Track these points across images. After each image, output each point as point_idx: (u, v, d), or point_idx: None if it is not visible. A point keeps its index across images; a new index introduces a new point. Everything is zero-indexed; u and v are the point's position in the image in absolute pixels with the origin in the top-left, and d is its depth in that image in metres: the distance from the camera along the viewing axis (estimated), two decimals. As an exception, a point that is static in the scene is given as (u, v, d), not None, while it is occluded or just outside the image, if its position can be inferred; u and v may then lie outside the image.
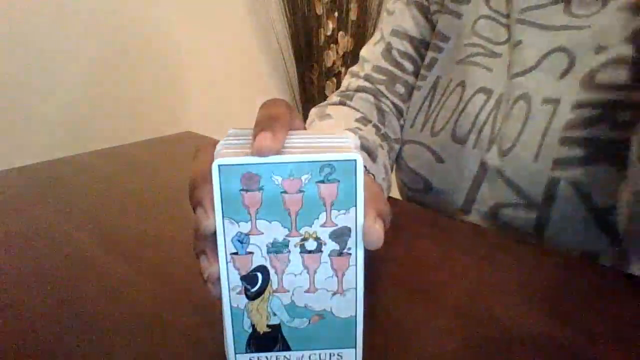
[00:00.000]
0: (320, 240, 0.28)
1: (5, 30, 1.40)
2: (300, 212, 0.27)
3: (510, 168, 0.52)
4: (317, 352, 0.30)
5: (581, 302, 0.38)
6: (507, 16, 0.56)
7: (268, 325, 0.29)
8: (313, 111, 0.65)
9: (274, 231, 0.27)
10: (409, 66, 0.66)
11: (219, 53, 1.90)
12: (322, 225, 0.27)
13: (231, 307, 0.28)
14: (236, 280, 0.28)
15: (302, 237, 0.28)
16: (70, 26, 1.51)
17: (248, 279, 0.28)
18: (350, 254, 0.28)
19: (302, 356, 0.30)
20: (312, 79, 2.00)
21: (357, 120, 0.60)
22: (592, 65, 0.49)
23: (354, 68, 0.69)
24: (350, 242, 0.28)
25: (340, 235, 0.28)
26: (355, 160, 0.26)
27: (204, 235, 0.27)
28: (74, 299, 0.39)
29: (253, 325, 0.29)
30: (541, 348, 0.33)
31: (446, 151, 0.58)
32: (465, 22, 0.60)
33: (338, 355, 0.30)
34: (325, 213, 0.27)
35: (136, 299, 0.39)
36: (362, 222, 0.27)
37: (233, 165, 0.26)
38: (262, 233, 0.27)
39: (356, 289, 0.29)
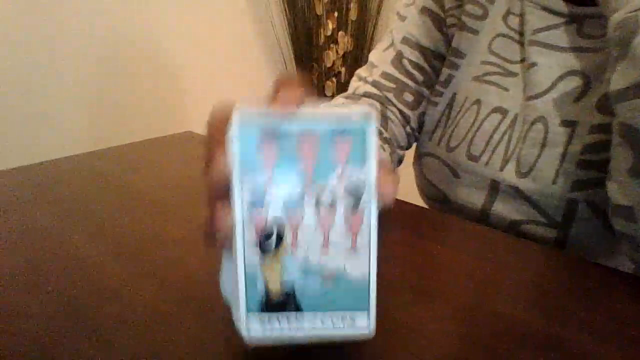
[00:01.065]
0: (335, 194, 0.28)
1: (5, 31, 1.40)
2: (315, 166, 0.27)
3: (529, 188, 0.53)
4: (329, 314, 0.29)
5: (588, 303, 0.38)
6: (522, 35, 0.56)
7: (281, 286, 0.28)
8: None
9: (290, 184, 0.27)
10: (419, 77, 0.65)
11: (219, 53, 1.90)
12: (337, 180, 0.28)
13: (245, 263, 0.28)
14: (251, 234, 0.28)
15: (317, 191, 0.28)
16: (69, 26, 1.51)
17: (264, 233, 0.28)
18: (364, 208, 0.28)
19: (314, 318, 0.29)
20: (312, 79, 1.99)
21: None
22: (606, 89, 0.49)
23: (362, 72, 0.68)
24: (365, 198, 0.28)
25: (355, 189, 0.28)
26: (369, 113, 0.27)
27: (218, 184, 0.27)
28: (73, 299, 0.39)
29: (266, 286, 0.28)
30: (547, 349, 0.33)
31: (461, 167, 0.58)
32: (481, 39, 0.59)
33: (350, 318, 0.29)
34: (340, 167, 0.27)
35: (136, 299, 0.39)
36: (375, 175, 0.27)
37: (254, 114, 0.26)
38: (278, 187, 0.27)
39: (369, 247, 0.28)
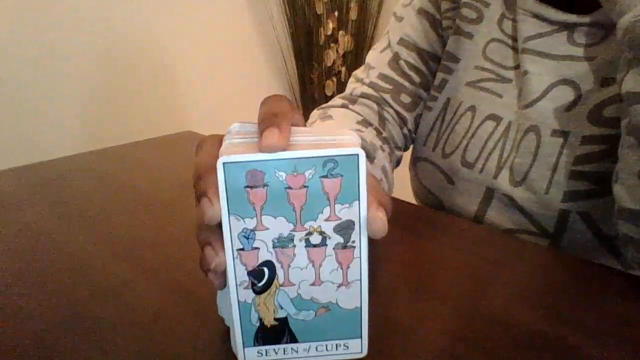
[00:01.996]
0: (325, 234, 0.28)
1: (4, 29, 1.40)
2: (304, 206, 0.27)
3: (522, 197, 0.53)
4: (324, 343, 0.30)
5: (586, 302, 0.38)
6: (516, 41, 0.56)
7: (275, 319, 0.29)
8: (315, 113, 0.65)
9: (279, 226, 0.28)
10: (416, 78, 0.65)
11: (219, 52, 1.90)
12: (327, 220, 0.28)
13: (239, 302, 0.29)
14: (243, 276, 0.28)
15: (306, 231, 0.28)
16: (68, 25, 1.51)
17: (255, 273, 0.28)
18: (354, 246, 0.28)
19: (309, 347, 0.30)
20: (313, 78, 1.99)
21: (358, 122, 0.60)
22: (597, 99, 0.49)
23: (359, 73, 0.69)
24: (354, 235, 0.28)
25: (344, 228, 0.28)
26: (357, 154, 0.27)
27: (208, 225, 0.27)
28: (73, 299, 0.39)
29: (260, 319, 0.29)
30: (545, 348, 0.33)
31: (455, 173, 0.59)
32: (476, 43, 0.59)
33: (344, 345, 0.30)
34: (329, 207, 0.28)
35: (135, 300, 0.39)
36: (365, 214, 0.28)
37: (238, 162, 0.26)
38: (268, 228, 0.28)
39: (361, 280, 0.29)
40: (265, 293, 0.29)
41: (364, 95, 0.65)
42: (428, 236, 0.49)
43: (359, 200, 0.27)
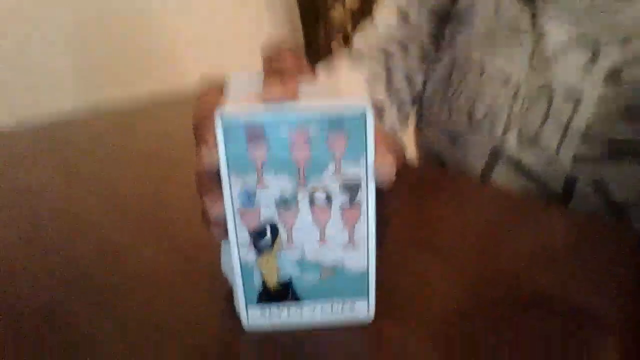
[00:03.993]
0: (330, 192, 0.27)
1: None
2: (308, 164, 0.26)
3: (530, 160, 0.51)
4: (329, 302, 0.29)
5: (596, 262, 0.37)
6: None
7: (279, 283, 0.28)
8: (320, 69, 0.63)
9: (282, 184, 0.26)
10: (425, 32, 0.63)
11: (224, 10, 1.85)
12: (332, 177, 0.26)
13: (240, 262, 0.28)
14: (244, 236, 0.27)
15: (310, 190, 0.27)
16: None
17: (256, 234, 0.27)
18: (361, 205, 0.27)
19: (314, 309, 0.29)
20: (319, 37, 1.95)
21: (364, 78, 0.59)
22: (616, 59, 0.47)
23: (365, 29, 0.67)
24: (361, 193, 0.27)
25: (350, 186, 0.27)
26: (365, 109, 0.25)
27: (208, 173, 0.26)
28: (74, 263, 0.39)
29: (264, 282, 0.28)
30: (553, 309, 0.32)
31: (461, 134, 0.57)
32: (487, 2, 0.57)
33: (350, 304, 0.29)
34: (334, 164, 0.26)
35: (138, 265, 0.38)
36: (372, 170, 0.26)
37: (237, 116, 0.25)
38: (269, 187, 0.26)
39: (367, 240, 0.28)
40: (268, 254, 0.28)
41: (370, 50, 0.63)
42: (433, 196, 0.48)
43: (365, 156, 0.26)
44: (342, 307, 0.29)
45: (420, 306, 0.33)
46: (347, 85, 0.28)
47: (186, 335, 0.31)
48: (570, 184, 0.49)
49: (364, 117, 0.25)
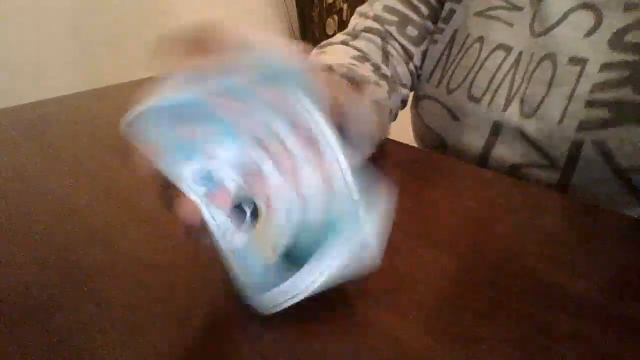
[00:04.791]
0: (287, 145, 0.25)
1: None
2: (249, 124, 0.25)
3: (533, 129, 0.50)
4: (333, 257, 0.27)
5: (594, 249, 0.37)
6: None
7: (274, 253, 0.27)
8: (313, 51, 0.61)
9: (232, 152, 0.25)
10: (424, 10, 0.61)
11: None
12: (284, 132, 0.25)
13: (232, 250, 0.27)
14: (224, 220, 0.26)
15: (265, 148, 0.25)
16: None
17: (235, 214, 0.26)
18: (326, 152, 0.25)
19: (320, 266, 0.27)
20: (313, 16, 1.92)
21: (353, 57, 0.57)
22: (620, 24, 0.46)
23: (362, 8, 0.65)
24: (322, 140, 0.25)
25: (310, 136, 0.25)
26: (288, 54, 0.24)
27: (157, 181, 0.26)
28: (62, 247, 0.38)
29: (264, 262, 0.27)
30: (551, 296, 0.32)
31: (461, 109, 0.56)
32: None
33: (354, 252, 0.27)
34: (279, 120, 0.25)
35: (127, 248, 0.38)
36: (322, 114, 0.25)
37: (149, 108, 0.24)
38: (220, 157, 0.25)
39: (345, 181, 0.25)
40: (256, 230, 0.26)
41: (367, 30, 0.61)
42: (431, 181, 0.47)
43: (310, 101, 0.24)
44: (348, 255, 0.27)
45: (418, 294, 0.32)
46: (265, 42, 0.26)
47: (184, 319, 0.30)
48: (575, 150, 0.48)
49: (291, 63, 0.24)
